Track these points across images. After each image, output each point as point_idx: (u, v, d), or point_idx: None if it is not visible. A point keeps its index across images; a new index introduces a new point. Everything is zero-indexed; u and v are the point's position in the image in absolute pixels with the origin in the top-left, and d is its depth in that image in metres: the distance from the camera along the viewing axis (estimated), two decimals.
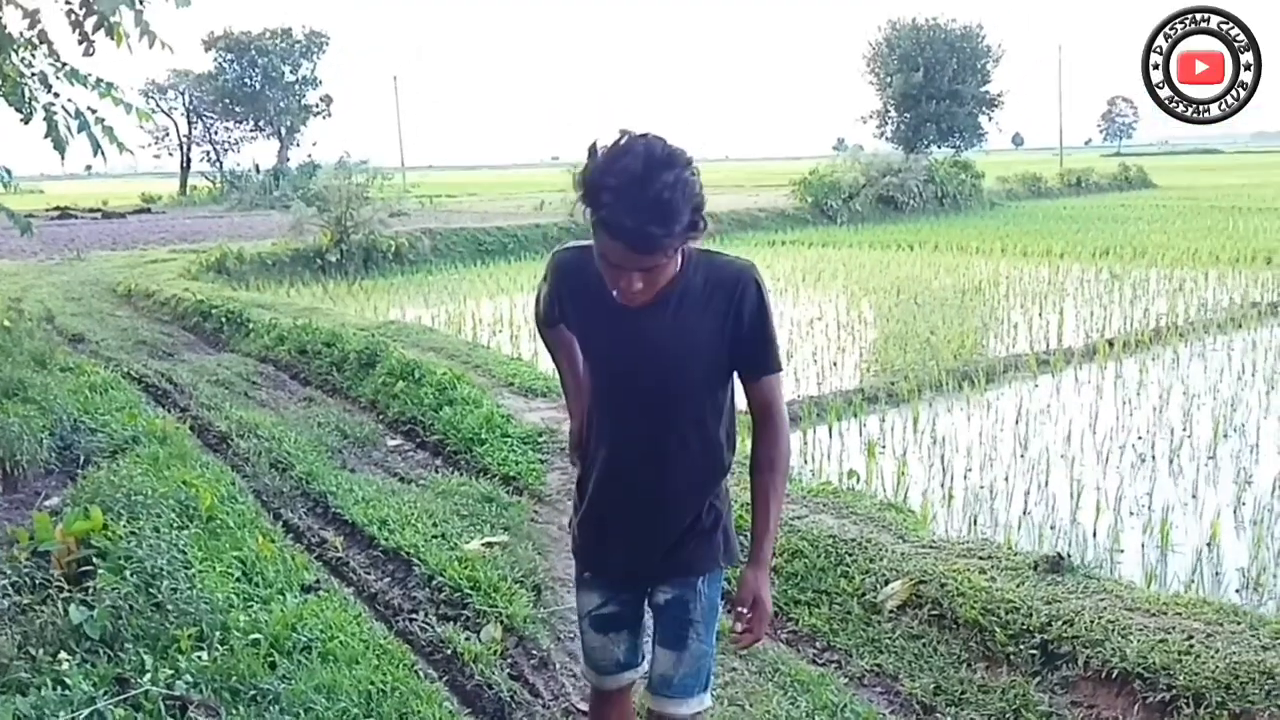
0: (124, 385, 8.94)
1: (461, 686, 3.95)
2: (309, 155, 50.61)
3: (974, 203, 33.79)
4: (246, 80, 49.65)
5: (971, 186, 34.48)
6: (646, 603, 2.56)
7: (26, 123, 8.35)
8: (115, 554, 4.61)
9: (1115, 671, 3.58)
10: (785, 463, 2.42)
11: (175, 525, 5.04)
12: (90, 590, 4.31)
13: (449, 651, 4.17)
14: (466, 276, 19.11)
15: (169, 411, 8.31)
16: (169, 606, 4.19)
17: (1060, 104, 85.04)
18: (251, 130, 52.29)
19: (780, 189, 34.55)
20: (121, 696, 3.59)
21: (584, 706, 3.80)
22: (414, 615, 4.54)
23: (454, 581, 4.72)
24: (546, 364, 9.89)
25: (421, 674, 3.98)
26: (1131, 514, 6.14)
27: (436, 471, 6.78)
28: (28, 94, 8.29)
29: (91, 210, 41.14)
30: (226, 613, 4.25)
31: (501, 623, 4.35)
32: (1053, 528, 5.99)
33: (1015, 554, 4.62)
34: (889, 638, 4.18)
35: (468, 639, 4.24)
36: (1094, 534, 5.86)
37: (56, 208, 40.68)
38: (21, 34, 8.33)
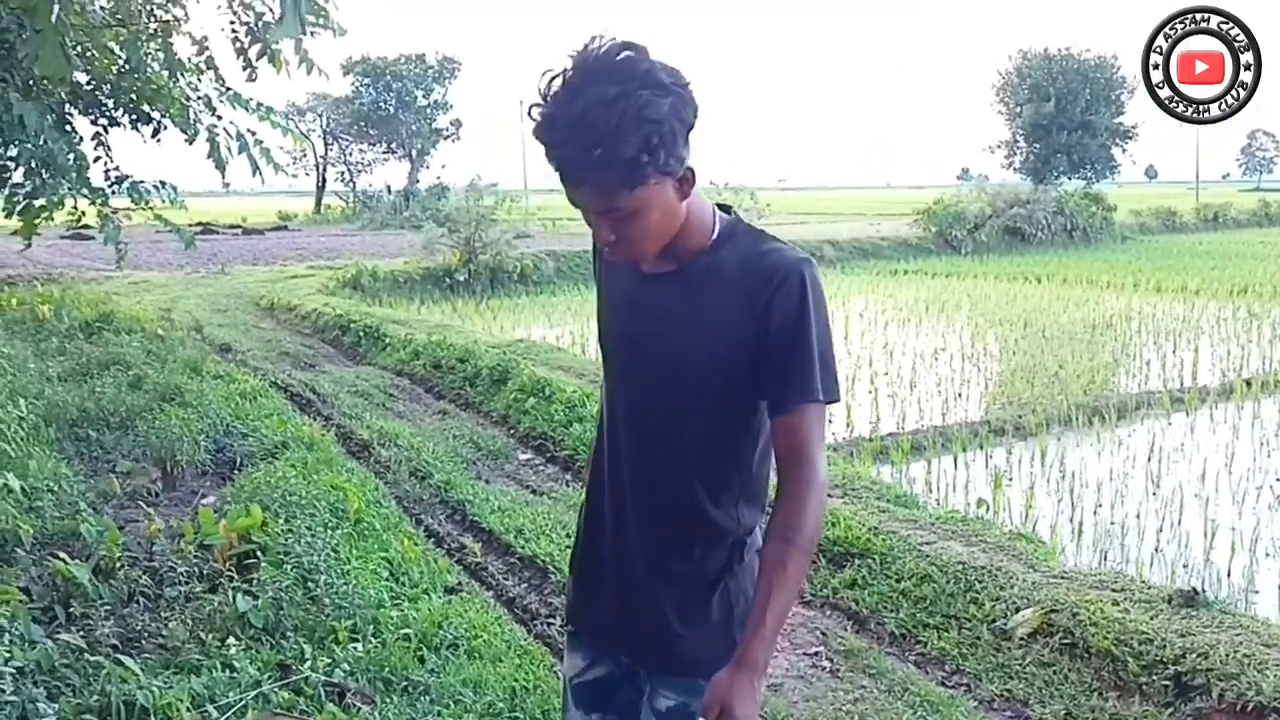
0: (271, 393, 9.39)
1: None
2: (438, 177, 52.06)
3: (1105, 236, 32.99)
4: (381, 104, 51.25)
5: (1102, 219, 33.69)
6: (645, 702, 2.01)
7: (191, 143, 8.90)
8: (274, 549, 4.92)
9: (1250, 705, 3.57)
10: (808, 534, 1.73)
11: (328, 525, 5.34)
12: (253, 582, 4.61)
13: None
14: (589, 298, 19.41)
15: (313, 419, 8.69)
16: (325, 600, 4.46)
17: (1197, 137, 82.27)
18: (384, 152, 53.91)
19: (902, 218, 34.26)
20: (284, 681, 3.85)
21: None
22: (551, 620, 4.74)
23: None
24: None
25: (559, 677, 4.16)
26: (1268, 555, 6.02)
27: (567, 485, 6.99)
28: (192, 116, 8.84)
29: (232, 226, 42.92)
30: (377, 609, 4.51)
31: None
32: (1185, 566, 5.91)
33: (1148, 587, 4.60)
34: (1019, 664, 4.21)
35: None
36: (1228, 574, 5.76)
37: (199, 223, 42.44)
38: (190, 59, 8.88)
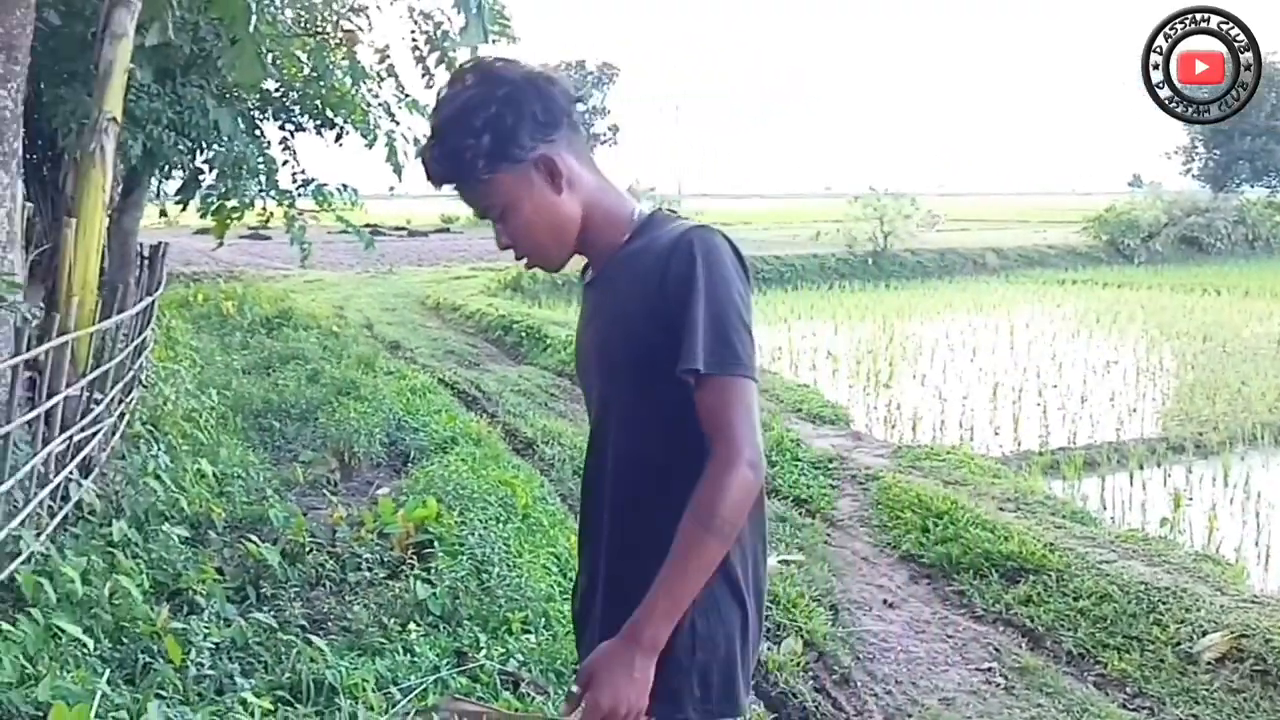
0: (439, 390, 9.68)
1: (766, 692, 4.11)
2: None
3: None
4: None
5: None
6: None
7: (370, 147, 9.26)
8: (449, 540, 5.08)
9: None
10: (722, 515, 1.58)
11: (498, 519, 5.47)
12: (430, 571, 4.77)
13: None
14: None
15: (480, 416, 8.91)
16: (498, 591, 4.57)
17: None
18: None
19: (1069, 225, 33.12)
20: (462, 668, 3.97)
21: None
22: None
23: None
24: (834, 393, 9.98)
25: None
26: None
27: None
28: (373, 121, 9.20)
29: (398, 228, 44.23)
30: (547, 602, 4.60)
31: (801, 637, 4.49)
32: None
33: None
34: (1206, 689, 4.03)
35: (769, 649, 4.41)
36: None
37: (367, 225, 43.71)
38: (372, 67, 9.23)
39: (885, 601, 5.01)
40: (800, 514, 6.26)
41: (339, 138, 9.21)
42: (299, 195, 8.72)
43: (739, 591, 1.73)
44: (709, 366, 1.60)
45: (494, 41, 6.65)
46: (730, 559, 1.68)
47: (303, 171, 8.85)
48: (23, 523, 4.29)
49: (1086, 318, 16.37)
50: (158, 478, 5.70)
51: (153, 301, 7.36)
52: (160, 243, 8.42)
